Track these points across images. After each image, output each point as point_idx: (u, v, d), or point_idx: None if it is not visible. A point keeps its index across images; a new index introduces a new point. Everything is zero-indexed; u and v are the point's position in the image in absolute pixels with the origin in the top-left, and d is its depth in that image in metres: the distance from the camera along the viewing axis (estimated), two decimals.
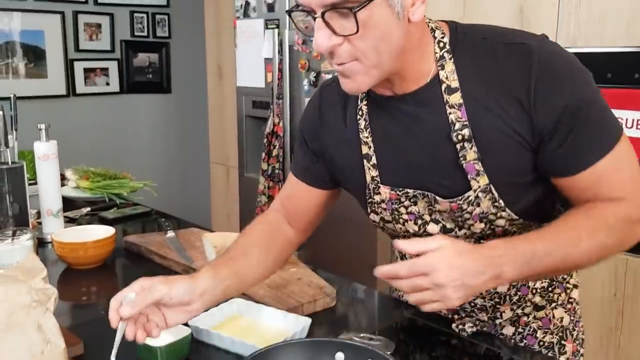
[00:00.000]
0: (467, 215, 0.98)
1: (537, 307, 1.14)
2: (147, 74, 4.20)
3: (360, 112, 1.04)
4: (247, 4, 3.09)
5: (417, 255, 0.86)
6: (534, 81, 0.88)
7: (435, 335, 1.12)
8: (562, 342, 1.17)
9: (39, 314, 0.92)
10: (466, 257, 0.85)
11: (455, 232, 1.02)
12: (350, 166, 1.08)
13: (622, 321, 2.02)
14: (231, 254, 1.07)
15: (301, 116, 1.19)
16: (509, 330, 1.15)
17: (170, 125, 4.36)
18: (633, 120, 1.87)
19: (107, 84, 4.03)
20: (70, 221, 1.83)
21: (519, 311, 1.13)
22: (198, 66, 4.09)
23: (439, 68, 0.94)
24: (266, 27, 2.97)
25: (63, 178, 2.02)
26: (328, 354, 0.90)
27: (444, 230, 1.02)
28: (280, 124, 2.89)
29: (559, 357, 1.16)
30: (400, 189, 1.02)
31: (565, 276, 1.16)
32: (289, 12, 0.92)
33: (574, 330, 1.18)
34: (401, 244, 0.88)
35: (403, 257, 1.21)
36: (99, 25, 3.93)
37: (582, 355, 1.20)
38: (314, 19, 0.85)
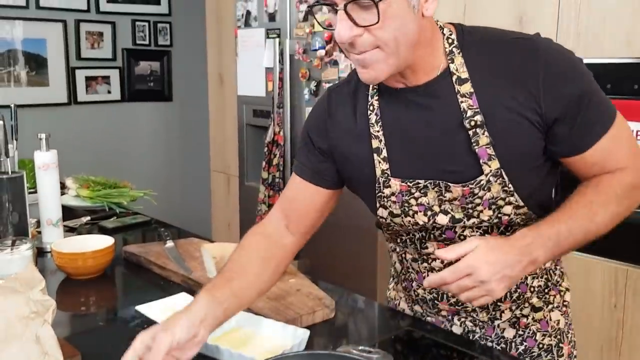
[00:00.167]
0: (477, 201, 1.03)
1: (535, 309, 1.17)
2: (149, 82, 4.21)
3: (371, 108, 1.08)
4: (248, 13, 3.10)
5: (457, 260, 0.94)
6: (542, 72, 0.96)
7: (433, 348, 1.12)
8: (560, 344, 1.20)
9: (37, 326, 0.93)
10: (499, 251, 0.93)
11: (464, 222, 1.06)
12: (360, 161, 1.10)
13: (623, 332, 2.01)
14: (228, 274, 1.06)
15: (307, 118, 1.21)
16: (509, 333, 1.18)
17: (171, 133, 4.37)
18: (633, 131, 1.87)
19: (109, 92, 4.04)
20: (70, 230, 1.83)
21: (518, 312, 1.16)
22: (199, 75, 4.10)
23: (449, 61, 1.01)
24: (267, 37, 2.98)
25: (63, 187, 2.02)
26: None
27: (454, 221, 1.06)
28: (281, 132, 2.90)
29: (558, 359, 1.19)
30: (411, 180, 1.06)
31: (558, 279, 1.21)
32: (311, 7, 0.98)
33: (569, 333, 1.23)
34: (441, 253, 0.96)
35: (402, 260, 1.22)
36: (100, 34, 3.94)
37: (575, 357, 1.24)
38: (336, 11, 0.91)
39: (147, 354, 0.89)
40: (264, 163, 2.96)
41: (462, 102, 1.00)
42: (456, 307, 1.16)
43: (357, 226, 2.60)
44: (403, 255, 1.20)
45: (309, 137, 1.17)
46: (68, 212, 1.90)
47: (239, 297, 1.03)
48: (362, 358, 0.92)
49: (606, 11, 1.97)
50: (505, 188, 1.01)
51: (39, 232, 1.70)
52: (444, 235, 1.09)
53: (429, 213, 1.07)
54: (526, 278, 1.13)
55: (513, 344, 1.17)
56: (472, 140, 0.99)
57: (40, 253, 1.60)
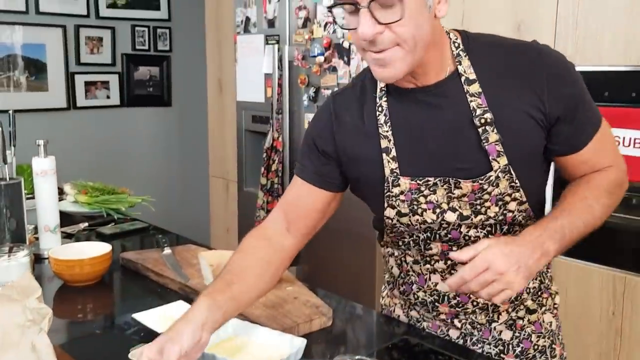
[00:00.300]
0: (486, 197, 1.07)
1: (530, 311, 1.21)
2: (148, 87, 4.22)
3: (379, 109, 1.11)
4: (248, 19, 3.11)
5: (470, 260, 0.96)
6: (545, 73, 1.03)
7: (430, 355, 1.12)
8: (553, 345, 1.24)
9: (33, 334, 0.92)
10: (513, 244, 0.97)
11: (472, 219, 1.09)
12: (369, 161, 1.12)
13: (621, 339, 2.01)
14: (228, 277, 1.07)
15: (310, 123, 1.22)
16: (507, 335, 1.20)
17: (170, 138, 4.37)
18: (630, 139, 1.88)
19: (108, 97, 4.04)
20: (67, 236, 1.83)
21: (514, 314, 1.19)
22: (198, 80, 4.11)
23: (457, 64, 1.06)
24: (266, 43, 2.99)
25: (61, 192, 2.02)
26: None
27: (462, 218, 1.09)
28: (280, 138, 2.90)
29: None
30: (421, 178, 1.08)
31: (549, 282, 1.25)
32: (330, 8, 1.01)
33: (559, 334, 1.27)
34: (455, 255, 0.99)
35: (402, 263, 1.22)
36: (100, 39, 3.95)
37: (565, 358, 1.28)
38: (358, 10, 0.95)
39: None
40: (262, 169, 2.96)
41: (471, 101, 1.04)
42: (456, 308, 1.17)
43: (356, 233, 2.60)
44: (403, 259, 1.21)
45: (312, 141, 1.18)
46: (66, 218, 1.90)
47: (238, 300, 1.05)
48: None
49: (604, 19, 1.97)
50: (512, 184, 1.06)
51: (37, 239, 1.70)
52: (449, 235, 1.11)
53: (438, 211, 1.09)
54: None
55: (510, 345, 1.20)
56: (482, 137, 1.04)
57: (37, 259, 1.60)
